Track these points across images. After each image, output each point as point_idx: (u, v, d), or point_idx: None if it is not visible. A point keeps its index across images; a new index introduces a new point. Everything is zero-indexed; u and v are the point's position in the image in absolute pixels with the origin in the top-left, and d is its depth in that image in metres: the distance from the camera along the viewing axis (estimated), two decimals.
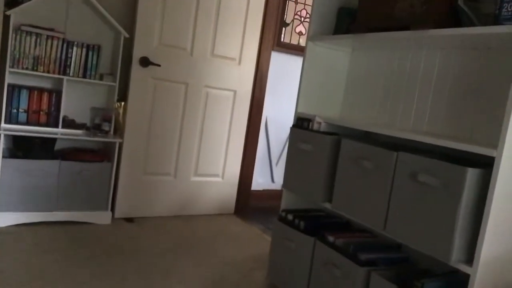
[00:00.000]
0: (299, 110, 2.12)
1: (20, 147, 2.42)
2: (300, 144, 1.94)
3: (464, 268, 1.35)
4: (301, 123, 2.03)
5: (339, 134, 1.88)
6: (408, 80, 1.93)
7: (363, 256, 1.67)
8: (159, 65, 2.70)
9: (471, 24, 1.50)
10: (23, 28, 2.34)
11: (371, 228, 1.72)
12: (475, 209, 1.35)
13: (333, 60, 2.19)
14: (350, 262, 1.67)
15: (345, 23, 2.08)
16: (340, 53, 2.20)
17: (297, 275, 1.94)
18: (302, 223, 1.98)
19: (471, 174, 1.32)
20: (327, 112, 2.22)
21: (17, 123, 2.42)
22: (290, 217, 2.06)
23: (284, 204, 2.18)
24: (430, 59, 1.84)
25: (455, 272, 1.55)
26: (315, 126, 1.94)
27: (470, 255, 1.36)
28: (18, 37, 2.33)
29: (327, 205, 1.86)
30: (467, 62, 1.70)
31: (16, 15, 2.29)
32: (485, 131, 1.62)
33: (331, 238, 1.82)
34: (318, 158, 1.86)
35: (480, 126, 1.64)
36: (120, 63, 2.58)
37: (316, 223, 1.99)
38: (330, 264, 1.75)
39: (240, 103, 3.11)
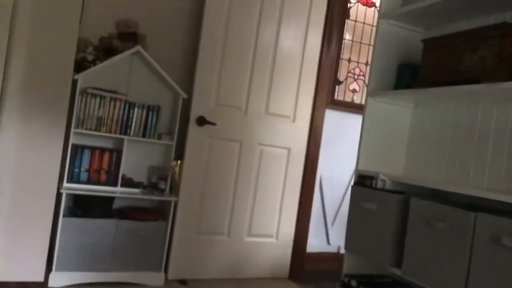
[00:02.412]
0: (360, 167, 2.04)
1: (80, 206, 2.46)
2: (364, 203, 1.84)
3: None
4: (363, 181, 1.94)
5: (406, 193, 1.76)
6: (479, 135, 1.81)
7: None
8: (215, 124, 2.74)
9: None
10: (89, 91, 2.46)
11: None
12: None
13: (394, 116, 2.12)
14: None
15: (405, 78, 2.02)
16: (401, 108, 2.13)
17: None
18: None
19: None
20: (389, 169, 2.11)
21: (78, 182, 2.48)
22: (354, 283, 1.91)
23: (346, 268, 2.04)
24: (503, 113, 1.72)
25: None
26: (379, 184, 1.83)
27: None
28: (84, 99, 2.45)
29: (396, 271, 1.70)
30: None
31: (82, 79, 2.42)
32: None
33: None
34: (384, 219, 1.74)
35: None
36: (178, 122, 2.64)
37: None
38: None
39: (294, 161, 3.06)
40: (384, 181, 1.83)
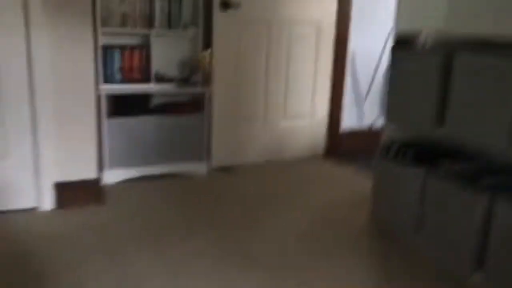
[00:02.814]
0: (399, 27, 1.93)
1: (119, 106, 2.51)
2: (404, 65, 1.79)
3: None
4: (403, 41, 1.86)
5: (450, 49, 1.69)
6: None
7: (485, 182, 1.52)
8: (239, 5, 2.63)
9: None
10: None
11: (491, 150, 1.56)
12: None
13: None
14: (469, 190, 1.53)
15: None
16: None
17: (406, 212, 1.83)
18: (409, 154, 1.86)
19: None
20: (431, 24, 1.99)
21: (113, 82, 2.51)
22: (394, 149, 1.94)
23: (386, 136, 2.06)
24: None
25: None
26: (420, 42, 1.76)
27: None
28: None
29: (439, 131, 1.71)
30: None
31: None
32: None
33: (444, 167, 1.69)
34: (427, 79, 1.71)
35: None
36: (202, 10, 2.54)
37: (424, 153, 1.85)
38: (445, 196, 1.63)
39: (324, 36, 2.97)
40: (426, 38, 1.75)
